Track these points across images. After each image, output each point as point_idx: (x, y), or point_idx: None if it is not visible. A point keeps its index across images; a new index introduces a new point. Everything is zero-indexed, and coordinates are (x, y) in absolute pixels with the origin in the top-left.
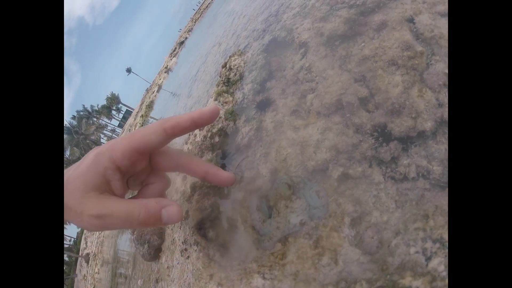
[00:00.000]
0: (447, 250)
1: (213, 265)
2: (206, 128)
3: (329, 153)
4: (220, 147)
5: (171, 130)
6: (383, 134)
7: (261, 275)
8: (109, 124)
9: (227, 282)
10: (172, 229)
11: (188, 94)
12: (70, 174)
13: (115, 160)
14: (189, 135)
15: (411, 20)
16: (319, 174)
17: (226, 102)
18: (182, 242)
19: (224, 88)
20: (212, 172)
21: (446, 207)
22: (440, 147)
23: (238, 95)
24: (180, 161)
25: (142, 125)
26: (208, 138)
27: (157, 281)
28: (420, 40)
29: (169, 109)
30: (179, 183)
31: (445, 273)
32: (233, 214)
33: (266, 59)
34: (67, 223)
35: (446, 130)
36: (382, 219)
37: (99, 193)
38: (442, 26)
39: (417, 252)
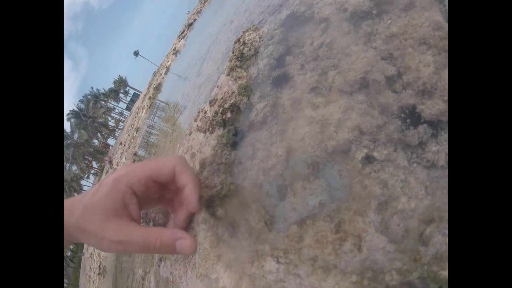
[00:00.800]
0: None
1: (221, 245)
2: (217, 103)
3: (351, 134)
4: (232, 123)
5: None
6: (411, 116)
7: (275, 259)
8: (116, 107)
9: (236, 264)
10: None
11: (197, 73)
12: (89, 199)
13: (132, 185)
14: (199, 111)
15: (441, 1)
16: (339, 155)
17: (239, 77)
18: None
19: (238, 63)
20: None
21: None
22: None
23: (253, 70)
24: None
25: (149, 108)
26: (219, 114)
27: (160, 260)
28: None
29: (177, 91)
30: (187, 159)
31: None
32: (244, 193)
33: (284, 34)
34: (69, 247)
35: None
36: (410, 206)
37: (119, 218)
38: None
39: None
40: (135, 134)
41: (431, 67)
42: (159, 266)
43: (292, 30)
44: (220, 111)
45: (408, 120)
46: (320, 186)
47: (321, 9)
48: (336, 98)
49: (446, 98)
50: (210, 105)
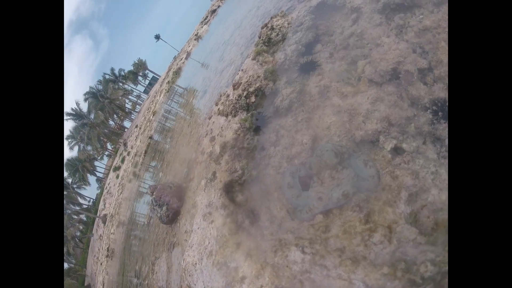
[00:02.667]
0: None
1: (241, 232)
2: (241, 86)
3: (380, 124)
4: (256, 107)
5: None
6: (442, 110)
7: (300, 248)
8: (135, 90)
9: (257, 253)
10: (194, 191)
11: (219, 58)
12: None
13: None
14: (220, 95)
15: None
16: (367, 145)
17: (265, 62)
18: (206, 206)
19: (264, 47)
20: None
21: None
22: None
23: (280, 55)
24: None
25: (168, 92)
26: (243, 97)
27: (172, 246)
28: None
29: (197, 76)
30: (206, 144)
31: None
32: (266, 180)
33: (313, 21)
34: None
35: None
36: (441, 198)
37: None
38: None
39: None
40: (151, 117)
41: None
42: (171, 251)
43: (322, 18)
44: (244, 94)
45: (440, 113)
46: (348, 175)
47: None
48: (365, 88)
49: None
50: (234, 89)
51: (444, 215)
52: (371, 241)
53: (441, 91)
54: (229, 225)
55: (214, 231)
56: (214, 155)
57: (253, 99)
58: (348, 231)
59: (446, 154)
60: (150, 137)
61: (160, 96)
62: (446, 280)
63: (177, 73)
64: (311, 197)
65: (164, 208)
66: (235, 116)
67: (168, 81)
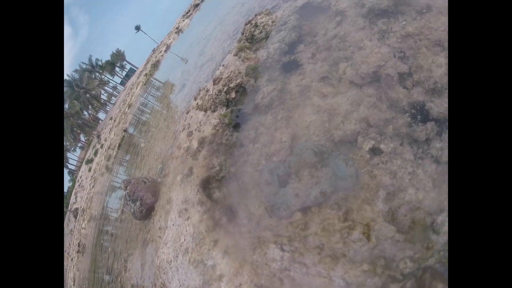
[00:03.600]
0: None
1: (218, 230)
2: (222, 82)
3: (358, 125)
4: (236, 104)
5: None
6: (421, 113)
7: (279, 246)
8: (111, 81)
9: (235, 251)
10: (169, 187)
11: (200, 53)
12: None
13: None
14: (200, 90)
15: None
16: (345, 145)
17: (247, 59)
18: (182, 202)
19: (247, 44)
20: None
21: None
22: None
23: (262, 53)
24: None
25: (145, 84)
26: (223, 93)
27: (146, 242)
28: None
29: (176, 70)
30: (183, 138)
31: None
32: (244, 177)
33: (298, 21)
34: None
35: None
36: (417, 198)
37: None
38: None
39: None
40: (127, 110)
41: (443, 68)
42: (144, 248)
43: (306, 19)
44: (225, 90)
45: (418, 116)
46: (326, 174)
47: (338, 2)
48: (346, 89)
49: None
50: (214, 84)
51: (420, 214)
52: (350, 238)
53: (420, 95)
54: (206, 222)
55: (190, 228)
56: (191, 150)
57: (233, 95)
58: (327, 229)
59: (423, 155)
60: (125, 130)
61: (136, 89)
62: (427, 275)
63: (156, 65)
64: (289, 194)
65: (138, 203)
66: (214, 111)
67: (146, 74)
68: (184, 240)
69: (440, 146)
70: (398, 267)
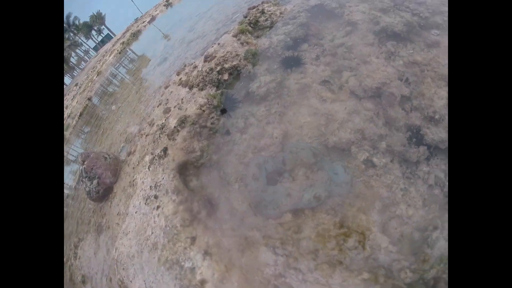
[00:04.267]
0: None
1: (196, 225)
2: (215, 60)
3: (353, 135)
4: (228, 87)
5: None
6: (416, 136)
7: (271, 249)
8: (84, 44)
9: (219, 251)
10: (134, 167)
11: (190, 28)
12: None
13: None
14: (185, 65)
15: None
16: (338, 152)
17: (247, 43)
18: (150, 187)
19: (249, 28)
20: None
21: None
22: None
23: (264, 41)
24: None
25: (119, 53)
26: (215, 72)
27: (100, 228)
28: None
29: (158, 43)
30: (157, 114)
31: None
32: (227, 167)
33: (308, 19)
34: None
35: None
36: (408, 213)
37: None
38: None
39: None
40: (95, 77)
41: (443, 101)
42: (98, 234)
43: (315, 20)
44: (217, 69)
45: (414, 139)
46: (322, 178)
47: (352, 13)
48: (345, 98)
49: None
50: (205, 61)
51: (408, 229)
52: (346, 246)
53: (417, 120)
54: (182, 214)
55: (161, 220)
56: (167, 128)
57: (226, 76)
58: (321, 234)
59: (410, 175)
60: (89, 99)
61: (109, 57)
62: (441, 284)
63: (135, 35)
64: (279, 193)
65: (95, 182)
66: (202, 89)
67: (123, 42)
68: (152, 233)
69: (427, 170)
70: (400, 276)
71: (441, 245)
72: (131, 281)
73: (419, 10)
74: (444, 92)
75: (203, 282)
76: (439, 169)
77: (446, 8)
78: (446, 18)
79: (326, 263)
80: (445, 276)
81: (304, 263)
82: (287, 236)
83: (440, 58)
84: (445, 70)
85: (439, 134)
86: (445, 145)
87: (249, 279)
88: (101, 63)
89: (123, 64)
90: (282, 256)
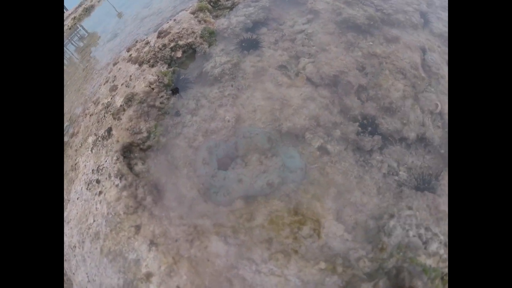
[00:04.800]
0: (440, 238)
1: (141, 212)
2: (169, 36)
3: (308, 122)
4: (180, 66)
5: None
6: (371, 125)
7: (222, 238)
8: None
9: (166, 241)
10: (76, 150)
11: (145, 5)
12: None
13: None
14: (136, 41)
15: (423, 51)
16: (292, 138)
17: (205, 21)
18: (93, 170)
19: (209, 6)
20: None
21: (425, 205)
22: (411, 158)
23: (223, 21)
24: None
25: (70, 29)
26: (168, 48)
27: None
28: (425, 69)
29: (109, 20)
30: (103, 92)
31: (445, 256)
32: (175, 150)
33: (270, 3)
34: None
35: (420, 146)
36: (362, 201)
37: None
38: (446, 70)
39: (414, 236)
40: None
41: (400, 93)
42: None
43: (278, 5)
44: (171, 46)
45: (369, 128)
46: (276, 164)
47: (316, 1)
48: (301, 84)
49: (405, 121)
50: (159, 37)
51: (362, 217)
52: (300, 234)
53: (373, 110)
54: (125, 200)
55: (103, 207)
56: (113, 107)
57: (179, 54)
58: (275, 222)
59: (363, 163)
60: None
61: None
62: (405, 274)
63: (88, 11)
64: (230, 179)
65: None
66: (152, 66)
67: (75, 17)
68: (94, 221)
69: (381, 159)
70: (358, 266)
71: (398, 233)
72: (73, 274)
73: (383, 6)
74: (401, 85)
75: (149, 275)
76: (392, 158)
77: (410, 8)
78: (408, 17)
79: (280, 252)
80: (407, 265)
81: (258, 253)
82: (239, 224)
83: (399, 52)
84: (403, 64)
85: (394, 124)
86: (399, 135)
87: (199, 271)
88: None
89: (72, 41)
90: (234, 246)
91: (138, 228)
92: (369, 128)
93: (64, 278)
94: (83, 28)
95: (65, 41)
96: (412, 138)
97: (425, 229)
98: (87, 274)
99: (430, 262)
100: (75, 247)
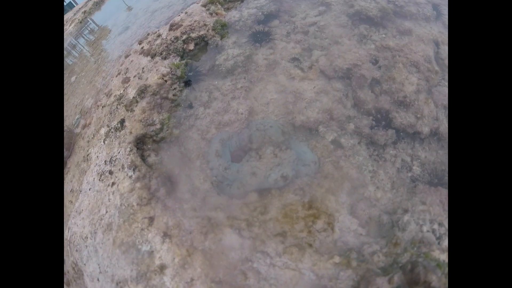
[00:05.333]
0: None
1: (154, 204)
2: (181, 29)
3: (321, 115)
4: (193, 58)
5: None
6: (385, 119)
7: (236, 231)
8: None
9: (180, 233)
10: (89, 141)
11: None
12: None
13: None
14: (148, 34)
15: (436, 44)
16: (305, 131)
17: (217, 13)
18: (105, 162)
19: None
20: None
21: (438, 200)
22: (424, 153)
23: (234, 14)
24: None
25: (81, 22)
26: (180, 41)
27: None
28: (439, 62)
29: (121, 11)
30: (115, 84)
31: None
32: (188, 143)
33: None
34: None
35: (433, 140)
36: (376, 196)
37: None
38: None
39: (428, 231)
40: None
41: (414, 86)
42: None
43: None
44: (183, 38)
45: (382, 122)
46: (290, 157)
47: None
48: (314, 77)
49: (419, 115)
50: (171, 29)
51: (375, 211)
52: (315, 227)
53: (386, 103)
54: (138, 192)
55: (116, 198)
56: (125, 99)
57: (191, 46)
58: (289, 215)
59: (377, 157)
60: None
61: (69, 26)
62: (420, 268)
63: (98, 4)
64: (244, 171)
65: None
66: (165, 59)
67: (85, 11)
68: (106, 212)
69: (394, 153)
70: (373, 260)
71: (412, 228)
72: (84, 264)
73: None
74: (415, 78)
75: (162, 267)
76: (406, 153)
77: (422, 0)
78: (420, 9)
79: (295, 246)
80: (421, 260)
81: (272, 246)
82: (253, 217)
83: (413, 45)
84: (417, 57)
85: (408, 118)
86: (413, 130)
87: (213, 264)
88: None
89: (83, 35)
90: (248, 239)
91: (151, 219)
92: (383, 122)
93: (75, 268)
94: (94, 22)
95: (76, 34)
96: (426, 133)
97: (438, 224)
98: (98, 265)
99: (443, 257)
100: (87, 237)
